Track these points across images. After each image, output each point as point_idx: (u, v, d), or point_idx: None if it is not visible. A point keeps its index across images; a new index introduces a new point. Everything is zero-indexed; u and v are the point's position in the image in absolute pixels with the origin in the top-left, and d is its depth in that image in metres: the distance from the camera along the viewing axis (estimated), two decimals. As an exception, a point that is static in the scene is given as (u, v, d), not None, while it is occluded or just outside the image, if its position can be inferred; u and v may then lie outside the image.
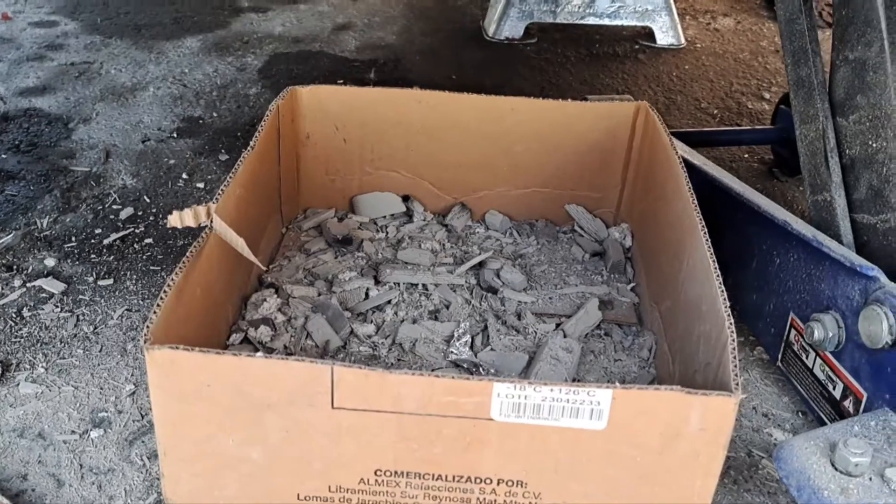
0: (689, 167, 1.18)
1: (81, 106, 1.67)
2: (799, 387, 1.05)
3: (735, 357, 0.78)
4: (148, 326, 0.77)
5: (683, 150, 1.29)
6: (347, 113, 1.29)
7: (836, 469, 0.82)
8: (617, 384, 0.77)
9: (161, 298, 0.81)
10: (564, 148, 1.29)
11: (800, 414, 1.07)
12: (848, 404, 0.96)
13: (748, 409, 1.07)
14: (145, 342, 0.76)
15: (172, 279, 0.84)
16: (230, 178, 1.01)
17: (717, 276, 0.88)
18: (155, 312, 0.79)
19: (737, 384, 0.76)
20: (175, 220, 0.95)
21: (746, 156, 1.61)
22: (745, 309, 1.16)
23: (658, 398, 0.76)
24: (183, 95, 1.73)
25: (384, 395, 0.77)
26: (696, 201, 0.99)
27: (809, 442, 0.85)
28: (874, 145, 0.94)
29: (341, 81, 1.77)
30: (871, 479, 0.81)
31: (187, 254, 0.88)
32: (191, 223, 0.95)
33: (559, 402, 0.76)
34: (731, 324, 0.81)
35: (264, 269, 1.15)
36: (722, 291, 0.85)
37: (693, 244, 0.96)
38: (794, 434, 1.03)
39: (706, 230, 0.94)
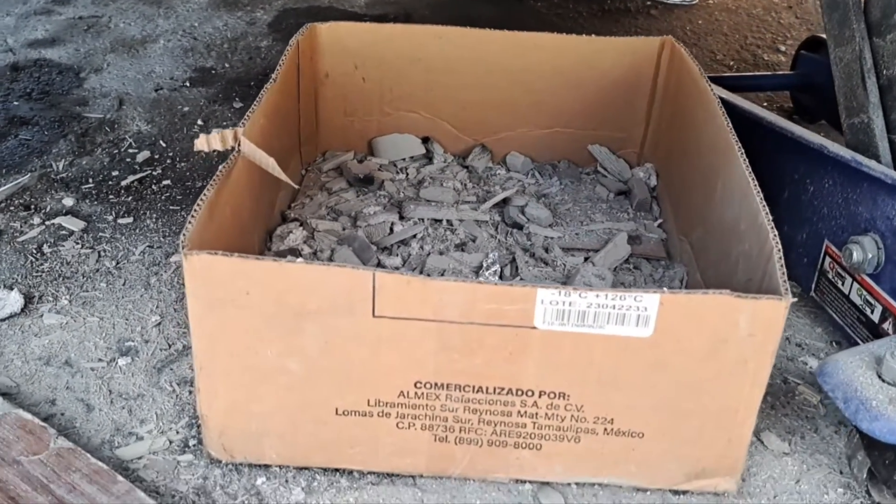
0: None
1: (92, 57, 1.65)
2: (834, 315, 1.04)
3: (782, 265, 0.77)
4: (185, 234, 0.75)
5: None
6: (367, 50, 1.27)
7: (882, 380, 0.81)
8: (665, 289, 0.76)
9: (195, 210, 0.79)
10: (587, 85, 1.27)
11: (833, 343, 1.06)
12: (887, 326, 0.95)
13: (782, 339, 1.06)
14: (183, 248, 0.74)
15: (205, 194, 0.82)
16: (254, 106, 0.99)
17: (758, 192, 0.87)
18: (190, 222, 0.77)
19: (786, 289, 0.75)
20: (202, 143, 0.93)
21: (765, 104, 1.59)
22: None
23: (706, 302, 0.74)
24: (194, 48, 1.71)
25: (426, 302, 0.76)
26: (730, 123, 0.98)
27: (854, 356, 0.84)
28: (913, 63, 0.93)
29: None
30: (918, 389, 0.80)
31: (218, 171, 0.86)
32: (218, 146, 0.93)
33: (605, 308, 0.75)
34: (775, 235, 0.80)
35: (296, 186, 1.12)
36: (763, 206, 0.84)
37: (729, 165, 0.95)
38: (829, 361, 1.02)
39: (742, 149, 0.93)
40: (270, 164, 0.93)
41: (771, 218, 0.82)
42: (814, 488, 0.87)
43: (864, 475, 0.85)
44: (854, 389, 0.80)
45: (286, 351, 0.78)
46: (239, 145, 0.92)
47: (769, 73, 1.66)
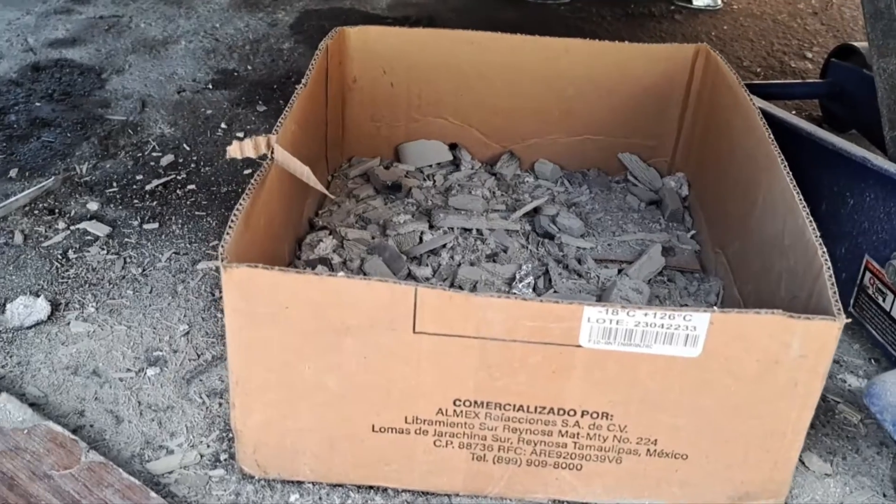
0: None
1: (113, 58, 1.63)
2: (874, 331, 1.02)
3: (833, 283, 0.75)
4: (223, 246, 0.73)
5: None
6: (396, 55, 1.25)
7: (931, 403, 0.79)
8: (715, 308, 0.74)
9: (232, 221, 0.77)
10: (618, 92, 1.25)
11: (872, 361, 1.04)
12: (930, 345, 0.93)
13: (818, 354, 1.04)
14: (222, 260, 0.72)
15: (241, 204, 0.80)
16: (286, 113, 0.97)
17: (804, 206, 0.85)
18: (228, 233, 0.75)
19: (838, 309, 0.73)
20: (235, 150, 0.91)
21: (794, 111, 1.57)
22: (811, 255, 1.12)
23: (758, 322, 0.72)
24: (215, 49, 1.70)
25: (468, 318, 0.74)
26: (771, 134, 0.96)
27: (901, 377, 0.82)
28: (962, 76, 0.91)
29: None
30: (969, 412, 0.79)
31: (252, 180, 0.85)
32: (251, 154, 0.91)
33: (653, 327, 0.73)
34: (824, 252, 0.78)
35: (331, 196, 1.11)
36: (810, 221, 0.82)
37: (771, 179, 0.93)
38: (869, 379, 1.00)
39: (786, 162, 0.91)
40: (306, 173, 0.91)
41: (818, 234, 0.81)
42: (857, 510, 0.86)
43: (911, 498, 0.83)
44: (903, 412, 0.79)
45: (324, 367, 0.77)
46: (272, 153, 0.91)
47: (799, 80, 1.64)
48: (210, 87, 1.56)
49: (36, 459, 0.81)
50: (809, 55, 1.81)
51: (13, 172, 1.27)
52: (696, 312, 0.72)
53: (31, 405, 0.87)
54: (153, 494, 0.78)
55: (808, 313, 0.75)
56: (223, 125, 1.44)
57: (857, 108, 1.43)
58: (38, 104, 1.46)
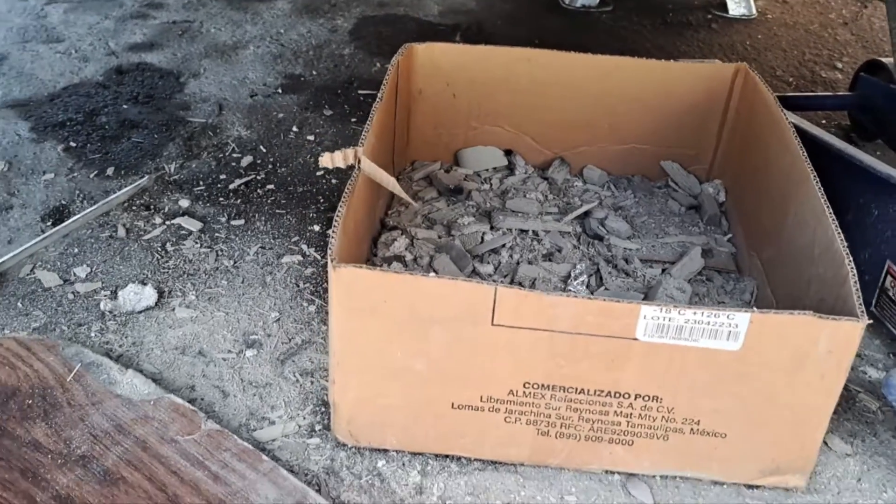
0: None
1: (189, 62, 1.76)
2: (893, 329, 1.13)
3: (858, 289, 0.87)
4: (331, 249, 0.86)
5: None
6: (458, 70, 1.37)
7: (941, 394, 0.90)
8: (754, 308, 0.86)
9: (335, 226, 0.90)
10: (663, 107, 1.36)
11: (891, 355, 1.15)
12: (943, 343, 1.04)
13: (842, 349, 1.16)
14: (331, 261, 0.85)
15: (339, 210, 0.92)
16: (367, 126, 1.09)
17: (833, 219, 0.96)
18: (333, 237, 0.88)
19: (862, 311, 0.84)
20: (326, 160, 1.03)
21: (824, 121, 1.68)
22: (838, 259, 1.23)
23: (791, 322, 0.84)
24: (282, 54, 1.82)
25: (540, 314, 0.86)
26: (805, 153, 1.07)
27: (916, 370, 0.93)
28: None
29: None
30: (974, 403, 0.90)
31: (346, 189, 0.97)
32: (340, 164, 1.02)
33: (700, 324, 0.85)
34: (850, 261, 0.89)
35: (415, 204, 1.23)
36: (839, 233, 0.93)
37: (803, 193, 1.04)
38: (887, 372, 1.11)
39: (818, 180, 1.02)
40: (391, 182, 1.04)
41: (846, 245, 0.92)
42: (873, 486, 0.97)
43: (922, 478, 0.95)
44: (917, 401, 0.90)
45: (414, 352, 0.89)
46: (359, 164, 1.03)
47: (830, 93, 1.74)
48: (279, 91, 1.68)
49: (163, 426, 0.94)
50: (839, 65, 1.90)
51: (110, 171, 1.41)
52: (738, 312, 0.84)
53: (152, 380, 1.01)
54: (265, 457, 0.91)
55: (836, 312, 0.87)
56: (294, 128, 1.57)
57: (884, 120, 1.53)
58: (125, 106, 1.60)
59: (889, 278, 1.13)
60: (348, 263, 0.85)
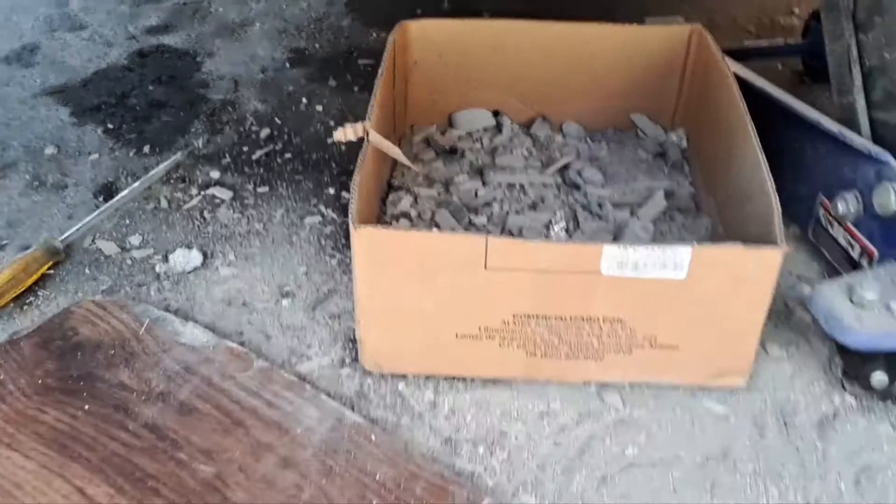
0: (736, 79, 1.44)
1: (203, 41, 1.94)
2: (826, 253, 1.33)
3: (780, 223, 1.06)
4: (352, 213, 1.06)
5: (730, 63, 1.54)
6: (449, 42, 1.54)
7: (853, 304, 1.11)
8: (694, 243, 1.06)
9: (353, 192, 1.09)
10: (632, 66, 1.54)
11: (825, 275, 1.35)
12: (864, 262, 1.24)
13: (784, 271, 1.35)
14: (353, 223, 1.05)
15: (355, 178, 1.12)
16: (372, 101, 1.28)
17: (766, 168, 1.15)
18: (352, 202, 1.07)
19: (782, 240, 1.04)
20: (339, 135, 1.22)
21: (780, 66, 1.85)
22: (782, 196, 1.43)
23: (724, 253, 1.04)
24: (286, 29, 1.99)
25: (524, 257, 1.06)
26: (745, 107, 1.26)
27: (834, 286, 1.13)
28: (888, 56, 1.20)
29: (419, 11, 1.99)
30: (878, 310, 1.10)
31: (358, 159, 1.16)
32: (352, 138, 1.21)
33: (651, 258, 1.05)
34: (776, 201, 1.09)
35: (415, 168, 1.42)
36: (769, 177, 1.13)
37: (745, 144, 1.23)
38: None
39: (756, 134, 1.21)
40: (396, 151, 1.23)
41: (775, 187, 1.11)
42: (804, 384, 1.19)
43: (840, 373, 1.16)
44: (831, 311, 1.10)
45: (423, 295, 1.09)
46: (368, 136, 1.22)
47: (783, 43, 1.91)
48: (287, 65, 1.86)
49: (222, 366, 1.15)
50: (797, 10, 2.07)
51: (146, 149, 1.60)
52: (681, 247, 1.04)
53: (207, 329, 1.22)
54: (307, 386, 1.13)
55: (763, 243, 1.07)
56: (304, 100, 1.75)
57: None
58: (150, 87, 1.78)
59: (821, 210, 1.32)
60: (366, 224, 1.05)
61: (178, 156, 1.57)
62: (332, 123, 1.68)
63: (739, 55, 1.75)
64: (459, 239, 1.05)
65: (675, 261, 1.05)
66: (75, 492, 0.98)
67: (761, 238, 1.11)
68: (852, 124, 1.26)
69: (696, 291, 1.07)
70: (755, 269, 1.05)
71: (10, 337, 1.19)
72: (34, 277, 1.29)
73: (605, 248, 1.04)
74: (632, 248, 1.04)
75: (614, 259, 1.05)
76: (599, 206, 1.41)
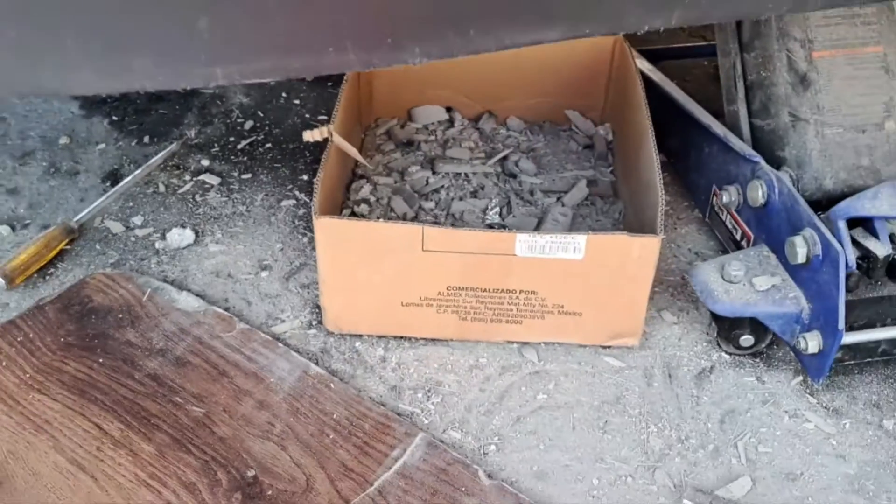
0: (650, 83, 1.69)
1: (194, 38, 2.16)
2: (718, 234, 1.59)
3: (662, 215, 1.31)
4: (312, 204, 1.31)
5: (647, 67, 1.78)
6: (407, 48, 1.78)
7: (723, 279, 1.36)
8: (589, 231, 1.31)
9: (316, 186, 1.34)
10: (566, 68, 1.78)
11: (719, 252, 1.61)
12: (744, 244, 1.50)
13: (685, 249, 1.62)
14: (314, 213, 1.30)
15: (320, 174, 1.36)
16: (337, 104, 1.51)
17: (658, 166, 1.39)
18: (315, 194, 1.32)
19: (661, 230, 1.30)
20: (308, 136, 1.46)
21: (706, 63, 2.09)
22: (687, 184, 1.69)
23: (613, 239, 1.30)
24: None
25: (453, 242, 1.31)
26: (649, 115, 1.50)
27: (710, 265, 1.39)
28: (763, 74, 1.44)
29: None
30: (743, 284, 1.36)
31: (322, 158, 1.40)
32: (318, 138, 1.46)
33: (555, 243, 1.30)
34: (663, 195, 1.34)
35: (369, 167, 1.67)
36: (660, 174, 1.37)
37: (645, 146, 1.47)
38: (714, 265, 1.58)
39: (654, 135, 1.45)
40: (353, 151, 1.48)
41: (663, 182, 1.36)
42: (689, 343, 1.45)
43: (715, 335, 1.42)
44: (706, 284, 1.36)
45: (373, 271, 1.35)
46: (332, 137, 1.46)
47: (704, 43, 2.13)
48: (269, 60, 2.09)
49: (210, 328, 1.41)
50: (730, 9, 2.29)
51: (146, 139, 1.84)
52: (578, 234, 1.29)
53: (200, 297, 1.47)
54: (280, 345, 1.39)
55: (650, 232, 1.32)
56: (283, 94, 1.99)
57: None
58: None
59: (714, 198, 1.58)
60: (326, 214, 1.30)
61: (174, 146, 1.81)
62: (307, 116, 1.92)
63: (664, 55, 1.99)
64: (401, 227, 1.30)
65: (574, 245, 1.30)
66: (94, 427, 1.24)
67: (651, 224, 1.37)
68: (736, 129, 1.50)
69: (593, 270, 1.33)
70: (639, 253, 1.30)
71: (36, 303, 1.45)
72: (54, 252, 1.54)
73: (517, 235, 1.30)
74: (539, 236, 1.30)
75: (526, 243, 1.30)
76: (531, 193, 1.66)
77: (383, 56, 0.78)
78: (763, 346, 1.41)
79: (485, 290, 1.37)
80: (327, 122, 1.46)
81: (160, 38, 0.74)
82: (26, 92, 0.90)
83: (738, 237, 1.51)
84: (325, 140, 1.45)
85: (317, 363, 1.38)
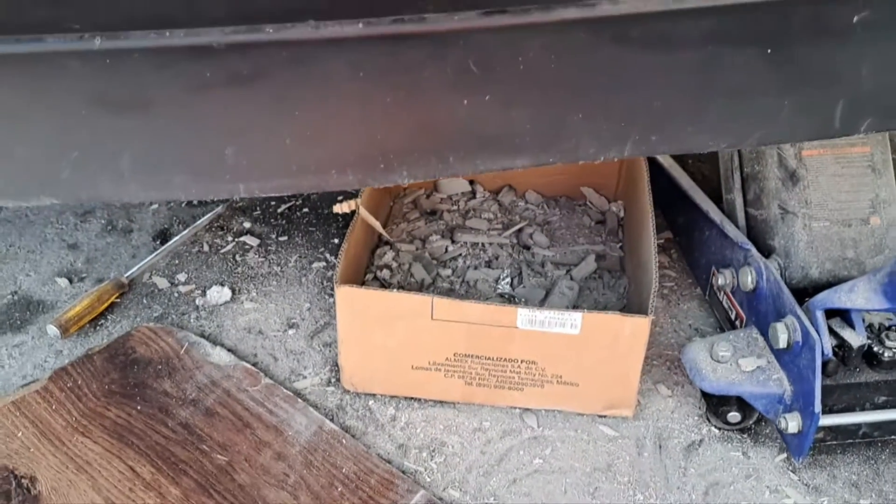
0: (658, 167, 1.80)
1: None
2: (716, 312, 1.69)
3: (654, 297, 1.42)
4: (335, 273, 1.44)
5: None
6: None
7: (712, 358, 1.46)
8: (585, 310, 1.42)
9: (340, 255, 1.48)
10: (580, 149, 1.91)
11: (718, 329, 1.70)
12: (738, 324, 1.59)
13: (685, 325, 1.72)
14: (336, 283, 1.43)
15: (344, 244, 1.50)
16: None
17: (655, 248, 1.50)
18: (338, 263, 1.46)
19: (652, 311, 1.40)
20: (338, 208, 1.61)
21: (722, 143, 2.19)
22: (690, 262, 1.79)
23: (606, 318, 1.41)
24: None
25: (460, 313, 1.44)
26: (651, 198, 1.61)
27: (700, 343, 1.49)
28: (757, 168, 1.55)
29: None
30: (731, 364, 1.45)
31: (348, 229, 1.55)
32: (346, 210, 1.60)
33: (554, 318, 1.42)
34: (656, 277, 1.45)
35: (388, 237, 1.81)
36: (655, 256, 1.48)
37: (645, 229, 1.59)
38: (711, 341, 1.67)
39: (654, 221, 1.56)
40: (376, 224, 1.62)
41: (658, 265, 1.47)
42: (682, 416, 1.54)
43: (705, 410, 1.52)
44: (695, 363, 1.46)
45: (387, 336, 1.48)
46: (358, 209, 1.60)
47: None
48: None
49: (239, 381, 1.55)
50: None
51: (195, 201, 2.01)
52: (575, 312, 1.40)
53: (230, 351, 1.62)
54: (300, 400, 1.52)
55: (643, 313, 1.42)
56: (322, 161, 2.15)
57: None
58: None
59: (713, 277, 1.67)
60: (346, 283, 1.44)
61: (220, 208, 1.97)
62: (342, 182, 2.08)
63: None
64: (413, 298, 1.43)
65: (571, 322, 1.41)
66: (128, 469, 1.38)
67: (646, 303, 1.47)
68: (732, 216, 1.61)
69: (589, 345, 1.44)
70: (631, 331, 1.41)
71: (86, 352, 1.60)
72: (105, 305, 1.70)
73: (519, 310, 1.42)
74: (538, 311, 1.41)
75: (526, 317, 1.42)
76: (542, 264, 1.78)
77: (377, 177, 0.91)
78: (750, 422, 1.50)
79: (489, 358, 1.48)
80: (356, 195, 1.60)
81: (196, 162, 0.88)
82: (86, 200, 1.05)
83: (732, 317, 1.61)
84: (353, 212, 1.60)
85: (332, 419, 1.50)
